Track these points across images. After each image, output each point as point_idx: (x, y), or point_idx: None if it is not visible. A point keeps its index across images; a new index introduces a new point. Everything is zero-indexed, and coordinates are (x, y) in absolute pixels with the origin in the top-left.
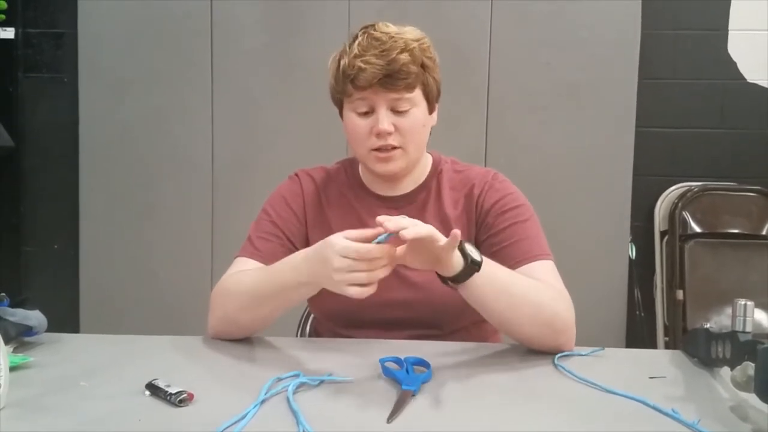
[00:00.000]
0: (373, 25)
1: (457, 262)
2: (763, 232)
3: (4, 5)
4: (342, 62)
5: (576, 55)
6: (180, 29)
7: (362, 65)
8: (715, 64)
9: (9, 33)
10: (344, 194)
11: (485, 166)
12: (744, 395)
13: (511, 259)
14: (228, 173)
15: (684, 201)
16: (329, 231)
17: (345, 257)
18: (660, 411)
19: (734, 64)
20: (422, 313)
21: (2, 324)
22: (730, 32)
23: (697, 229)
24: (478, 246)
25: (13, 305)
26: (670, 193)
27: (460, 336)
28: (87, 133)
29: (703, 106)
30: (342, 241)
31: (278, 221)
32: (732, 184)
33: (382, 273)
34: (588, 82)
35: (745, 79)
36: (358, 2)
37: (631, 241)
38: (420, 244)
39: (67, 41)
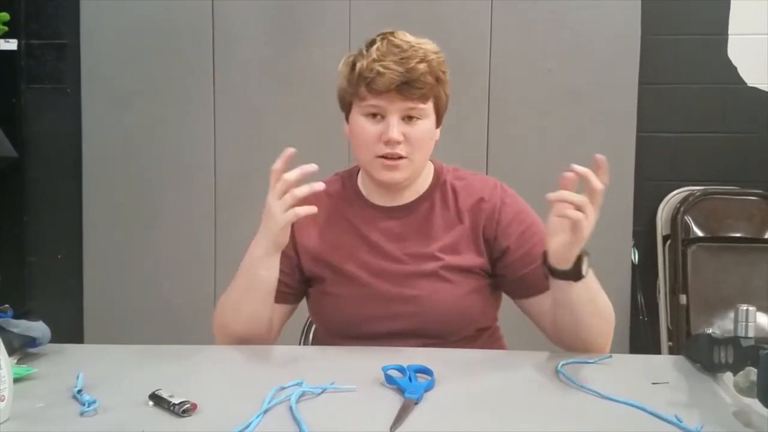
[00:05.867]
0: (392, 33)
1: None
2: (766, 236)
3: (7, 17)
4: (358, 65)
5: (576, 60)
6: (182, 40)
7: (381, 69)
8: (716, 68)
9: (12, 44)
10: (337, 205)
11: (486, 172)
12: (747, 401)
13: (544, 279)
14: (230, 183)
15: (686, 205)
16: (325, 240)
17: (275, 198)
18: (662, 418)
19: (734, 68)
20: (426, 324)
21: (6, 335)
22: (729, 37)
23: (700, 234)
24: (493, 264)
25: (16, 316)
26: (672, 197)
27: (465, 345)
28: (90, 144)
29: (703, 111)
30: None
31: None
32: (734, 188)
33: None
34: (588, 88)
35: (745, 84)
36: (359, 12)
37: (633, 246)
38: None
39: (70, 52)
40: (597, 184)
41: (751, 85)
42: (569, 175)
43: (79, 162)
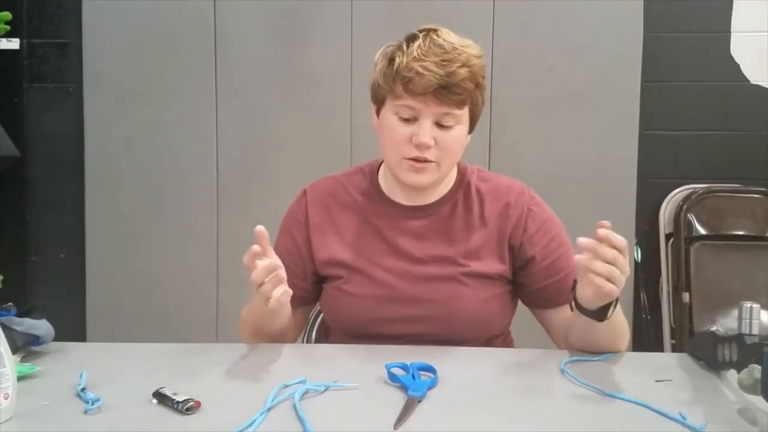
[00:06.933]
0: (435, 30)
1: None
2: None
3: (9, 16)
4: (397, 61)
5: (578, 59)
6: (184, 39)
7: (420, 70)
8: (718, 66)
9: (14, 44)
10: (357, 200)
11: (489, 171)
12: (751, 398)
13: (564, 293)
14: (232, 182)
15: (689, 203)
16: (342, 237)
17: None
18: (666, 416)
19: (737, 66)
20: (442, 329)
21: (10, 334)
22: (732, 34)
23: (703, 231)
24: (514, 272)
25: (20, 315)
26: (674, 195)
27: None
28: (92, 143)
29: (706, 109)
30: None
31: (284, 255)
32: (736, 185)
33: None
34: (591, 86)
35: (748, 81)
36: (361, 12)
37: (636, 244)
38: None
39: (72, 51)
40: (618, 241)
41: (754, 83)
42: (604, 228)
43: (82, 161)
